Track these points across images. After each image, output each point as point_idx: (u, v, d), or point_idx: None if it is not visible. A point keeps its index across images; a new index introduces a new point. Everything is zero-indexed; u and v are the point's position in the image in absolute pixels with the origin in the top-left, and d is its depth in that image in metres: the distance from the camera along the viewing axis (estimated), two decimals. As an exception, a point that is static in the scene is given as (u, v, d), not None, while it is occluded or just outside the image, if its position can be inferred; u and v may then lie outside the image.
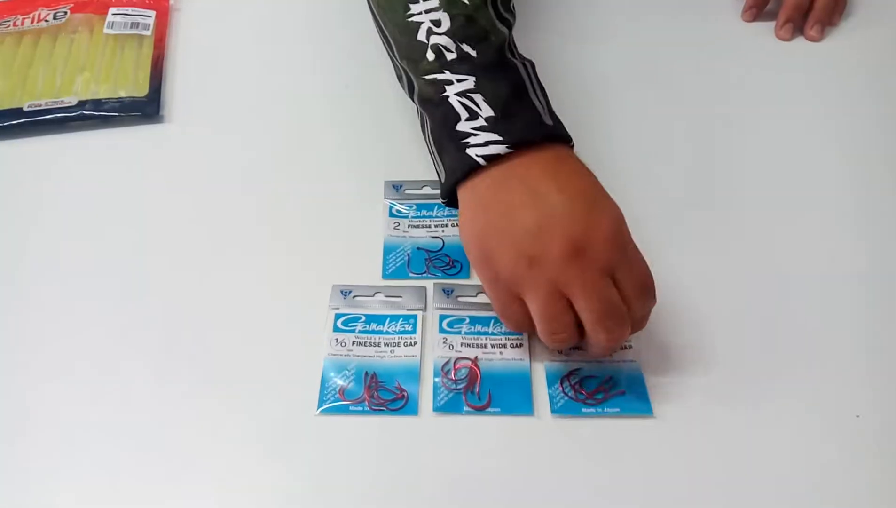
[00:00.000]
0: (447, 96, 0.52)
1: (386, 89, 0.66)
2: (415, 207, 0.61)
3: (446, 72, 0.53)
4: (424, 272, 0.58)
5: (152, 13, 0.75)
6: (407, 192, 0.62)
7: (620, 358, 0.53)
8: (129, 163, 0.65)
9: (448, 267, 0.58)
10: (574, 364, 0.52)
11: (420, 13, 0.55)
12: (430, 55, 0.53)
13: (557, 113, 0.54)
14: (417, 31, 0.54)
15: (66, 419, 0.50)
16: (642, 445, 0.49)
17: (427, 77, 0.53)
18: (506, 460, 0.49)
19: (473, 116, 0.51)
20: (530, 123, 0.52)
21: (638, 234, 0.50)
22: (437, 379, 0.52)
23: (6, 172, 0.64)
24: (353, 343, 0.54)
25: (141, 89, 0.69)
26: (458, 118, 0.52)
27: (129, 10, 0.75)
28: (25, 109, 0.67)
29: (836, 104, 0.69)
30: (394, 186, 0.62)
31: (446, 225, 0.60)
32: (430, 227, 0.60)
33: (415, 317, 0.55)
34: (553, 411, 0.51)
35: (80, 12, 0.75)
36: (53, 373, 0.53)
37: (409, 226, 0.60)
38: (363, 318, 0.55)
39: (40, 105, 0.67)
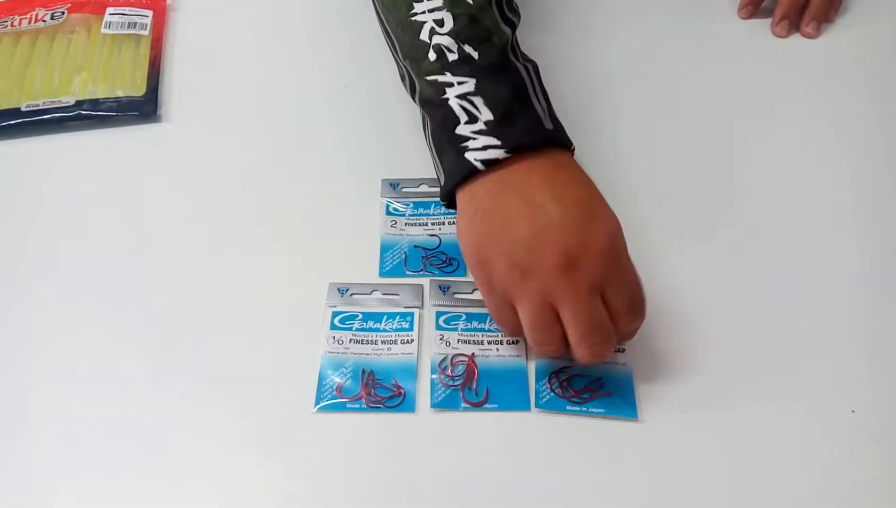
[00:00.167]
0: (447, 98, 0.52)
1: (384, 89, 0.67)
2: (411, 205, 0.61)
3: (447, 73, 0.53)
4: (421, 270, 0.58)
5: (149, 13, 0.75)
6: (404, 190, 0.62)
7: (613, 360, 0.52)
8: (126, 163, 0.65)
9: (445, 265, 0.58)
10: (566, 362, 0.52)
11: (423, 12, 0.54)
12: (432, 55, 0.53)
13: (559, 114, 0.54)
14: (420, 31, 0.54)
15: (66, 420, 0.51)
16: (625, 446, 0.49)
17: (428, 78, 0.53)
18: (503, 456, 0.49)
19: (473, 119, 0.51)
20: (530, 128, 0.51)
21: (637, 234, 0.50)
22: (434, 376, 0.52)
23: (4, 172, 0.65)
24: (351, 341, 0.54)
25: (138, 89, 0.69)
26: (457, 121, 0.51)
27: (127, 9, 0.75)
28: (23, 109, 0.67)
29: (835, 103, 0.69)
30: (391, 184, 0.62)
31: (443, 223, 0.60)
32: (426, 225, 0.60)
33: (412, 314, 0.55)
34: (537, 405, 0.51)
35: (78, 12, 0.75)
36: (53, 373, 0.53)
37: (405, 224, 0.60)
38: (360, 316, 0.55)
39: (38, 105, 0.67)
